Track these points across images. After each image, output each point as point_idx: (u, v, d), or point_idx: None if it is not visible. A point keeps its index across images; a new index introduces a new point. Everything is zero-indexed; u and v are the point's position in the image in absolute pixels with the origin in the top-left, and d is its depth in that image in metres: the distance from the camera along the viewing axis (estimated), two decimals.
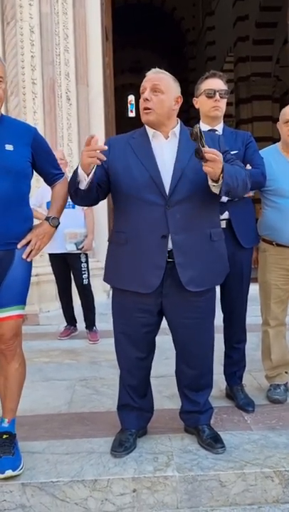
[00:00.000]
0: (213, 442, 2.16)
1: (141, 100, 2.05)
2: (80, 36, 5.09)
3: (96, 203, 2.16)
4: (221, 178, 1.86)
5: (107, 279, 2.20)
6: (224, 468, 2.03)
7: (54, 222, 2.14)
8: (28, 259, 2.08)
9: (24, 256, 2.06)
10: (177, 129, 2.10)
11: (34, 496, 1.98)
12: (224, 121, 2.64)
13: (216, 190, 1.92)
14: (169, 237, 1.99)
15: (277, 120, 2.72)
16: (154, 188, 1.98)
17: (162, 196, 1.98)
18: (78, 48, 5.08)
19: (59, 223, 2.17)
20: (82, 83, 5.14)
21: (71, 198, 2.10)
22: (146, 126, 2.11)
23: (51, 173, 2.22)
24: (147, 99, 2.01)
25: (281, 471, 2.01)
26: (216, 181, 1.88)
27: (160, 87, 2.00)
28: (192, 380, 2.22)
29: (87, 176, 1.90)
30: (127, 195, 2.01)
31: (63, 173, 2.29)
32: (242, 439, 2.26)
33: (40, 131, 4.82)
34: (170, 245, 2.00)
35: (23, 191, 2.09)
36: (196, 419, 2.24)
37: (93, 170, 1.89)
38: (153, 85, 2.01)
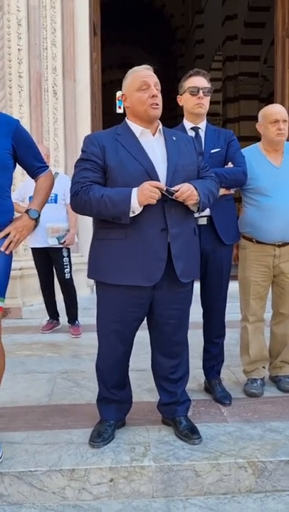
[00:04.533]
0: (189, 433, 2.20)
1: (146, 95, 2.06)
2: (68, 31, 5.09)
3: None
4: (199, 200, 2.06)
5: (97, 275, 2.15)
6: (199, 459, 2.07)
7: (34, 214, 2.15)
8: (7, 252, 2.09)
9: (2, 248, 2.08)
10: (161, 127, 2.17)
11: (12, 485, 2.00)
12: (212, 120, 2.69)
13: (194, 209, 2.09)
14: (167, 230, 2.05)
15: None
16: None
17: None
18: (66, 42, 5.07)
19: (39, 216, 2.18)
20: (69, 78, 5.14)
21: (87, 214, 2.17)
22: (131, 123, 2.14)
23: (34, 165, 2.23)
24: (156, 96, 2.07)
25: (254, 461, 2.06)
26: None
27: (158, 85, 2.10)
28: (169, 370, 2.26)
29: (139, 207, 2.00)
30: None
31: (47, 167, 2.30)
32: (218, 431, 2.31)
33: (26, 124, 4.83)
34: (168, 238, 2.07)
35: (1, 183, 2.09)
36: (173, 411, 2.29)
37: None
38: (155, 82, 2.09)
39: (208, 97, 2.58)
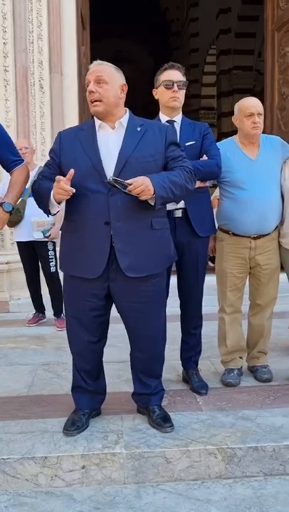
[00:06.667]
0: (162, 422, 2.25)
1: (87, 93, 2.11)
2: (54, 24, 5.08)
3: None
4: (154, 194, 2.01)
5: (60, 265, 2.29)
6: (170, 446, 2.12)
7: (8, 208, 2.18)
8: None
9: None
10: (124, 119, 2.16)
11: None
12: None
13: (151, 202, 2.04)
14: (110, 223, 2.06)
15: None
16: (96, 176, 2.04)
17: (105, 185, 2.04)
18: (52, 35, 5.06)
19: (13, 209, 2.21)
20: (56, 72, 5.13)
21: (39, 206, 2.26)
22: (94, 117, 2.17)
23: (9, 159, 2.26)
24: (92, 92, 2.07)
25: (224, 448, 2.11)
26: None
27: (103, 77, 2.07)
28: (143, 364, 2.30)
29: (58, 204, 2.08)
30: (73, 184, 2.04)
31: (22, 160, 2.33)
32: (191, 419, 2.35)
33: (13, 119, 4.85)
34: (111, 232, 2.08)
35: None
36: (147, 400, 2.33)
37: (64, 201, 2.08)
38: (96, 77, 2.07)
39: (183, 91, 2.60)
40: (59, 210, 2.11)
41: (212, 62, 14.14)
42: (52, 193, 2.05)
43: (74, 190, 1.99)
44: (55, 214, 2.17)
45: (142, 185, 1.96)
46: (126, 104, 2.21)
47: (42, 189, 2.15)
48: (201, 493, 2.01)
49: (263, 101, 6.29)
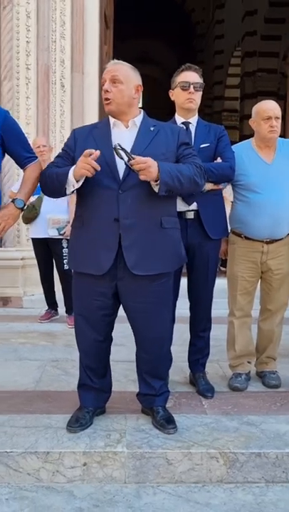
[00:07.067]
0: (165, 423, 2.24)
1: (102, 91, 2.13)
2: (78, 23, 5.12)
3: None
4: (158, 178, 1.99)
5: (69, 262, 2.30)
6: (172, 447, 2.11)
7: (19, 204, 2.20)
8: None
9: None
10: (138, 118, 2.18)
11: None
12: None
13: (156, 189, 2.02)
14: (120, 220, 2.06)
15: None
16: (108, 172, 2.05)
17: (116, 181, 2.06)
18: (75, 35, 5.10)
19: (24, 205, 2.23)
20: (78, 71, 5.18)
21: (44, 192, 2.27)
22: (109, 116, 2.18)
23: (22, 155, 2.28)
24: (107, 91, 2.09)
25: (226, 452, 2.09)
26: (156, 181, 1.99)
27: (119, 77, 2.08)
28: (149, 365, 2.30)
29: (76, 182, 2.05)
30: (85, 180, 2.07)
31: (36, 157, 2.35)
32: (195, 422, 2.34)
33: (33, 116, 4.91)
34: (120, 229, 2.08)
35: None
36: (151, 401, 2.33)
37: (83, 179, 2.04)
38: (112, 76, 2.09)
39: (200, 93, 2.59)
40: (74, 190, 2.07)
41: (236, 64, 14.05)
42: (71, 171, 2.03)
43: (99, 168, 1.99)
44: (70, 194, 2.12)
45: (144, 164, 1.95)
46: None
47: (56, 171, 2.12)
48: (200, 496, 2.00)
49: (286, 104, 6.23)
